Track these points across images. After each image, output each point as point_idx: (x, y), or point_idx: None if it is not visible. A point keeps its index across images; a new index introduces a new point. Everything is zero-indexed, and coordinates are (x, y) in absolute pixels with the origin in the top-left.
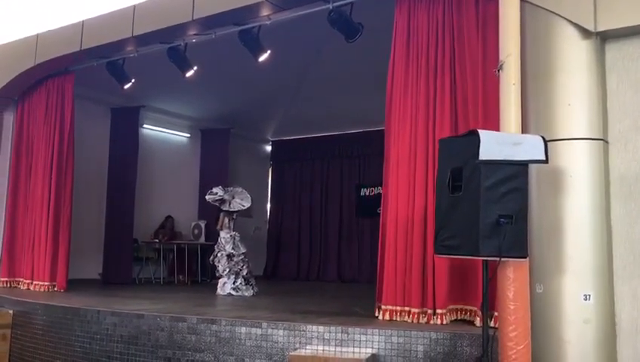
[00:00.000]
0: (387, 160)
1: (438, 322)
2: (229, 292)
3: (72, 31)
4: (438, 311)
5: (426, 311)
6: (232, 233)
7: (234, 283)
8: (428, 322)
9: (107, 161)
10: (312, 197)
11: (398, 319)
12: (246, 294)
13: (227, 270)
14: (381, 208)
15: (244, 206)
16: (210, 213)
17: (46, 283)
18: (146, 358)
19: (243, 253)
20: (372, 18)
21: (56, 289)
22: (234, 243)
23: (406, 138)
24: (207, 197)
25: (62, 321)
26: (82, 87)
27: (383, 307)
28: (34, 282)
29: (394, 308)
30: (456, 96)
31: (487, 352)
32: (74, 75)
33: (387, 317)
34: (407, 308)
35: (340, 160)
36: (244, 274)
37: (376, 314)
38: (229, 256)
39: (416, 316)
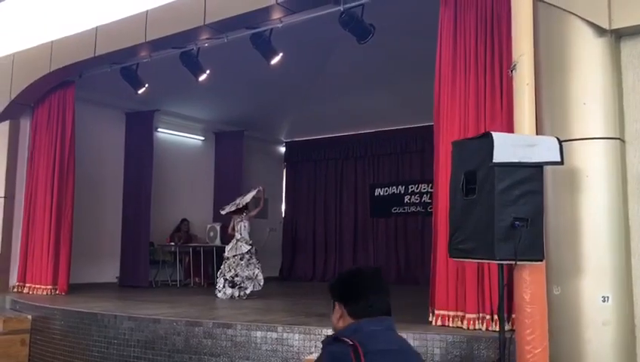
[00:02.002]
0: (437, 158)
1: (497, 328)
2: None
3: (85, 37)
4: (496, 316)
5: (484, 317)
6: (237, 235)
7: (217, 285)
8: (487, 329)
9: (123, 165)
10: (327, 197)
11: (451, 324)
12: (220, 296)
13: (221, 273)
14: (432, 208)
15: (242, 201)
16: (225, 216)
17: (48, 287)
18: None
19: (236, 256)
20: (384, 18)
21: (57, 292)
22: (233, 245)
23: (455, 135)
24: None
25: (80, 326)
26: (96, 93)
27: (435, 312)
28: (35, 286)
29: (447, 313)
30: (508, 91)
31: (504, 356)
32: (74, 86)
33: (439, 322)
34: (460, 313)
35: (354, 160)
36: (229, 276)
37: (430, 319)
38: (225, 259)
39: (471, 322)
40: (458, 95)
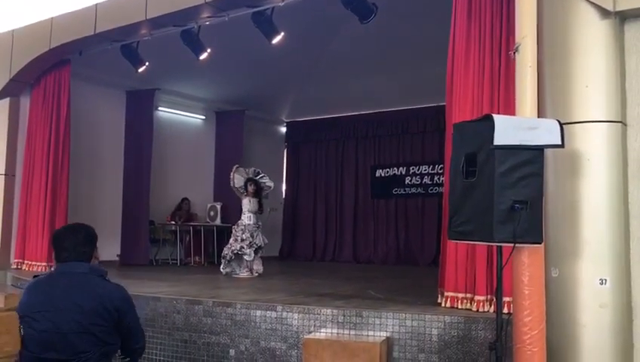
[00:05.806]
0: (448, 137)
1: (505, 310)
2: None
3: (86, 14)
4: (506, 298)
5: (493, 299)
6: None
7: None
8: (495, 311)
9: (123, 144)
10: (327, 178)
11: (460, 306)
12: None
13: None
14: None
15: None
16: (226, 195)
17: (43, 264)
18: (162, 340)
19: None
20: None
21: (52, 269)
22: None
23: (467, 115)
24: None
25: None
26: (96, 71)
27: (445, 293)
28: (32, 262)
29: (455, 294)
30: None
31: (500, 337)
32: (70, 65)
33: (448, 304)
34: (469, 296)
35: (355, 141)
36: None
37: (439, 301)
38: None
39: (481, 304)
40: (472, 74)
